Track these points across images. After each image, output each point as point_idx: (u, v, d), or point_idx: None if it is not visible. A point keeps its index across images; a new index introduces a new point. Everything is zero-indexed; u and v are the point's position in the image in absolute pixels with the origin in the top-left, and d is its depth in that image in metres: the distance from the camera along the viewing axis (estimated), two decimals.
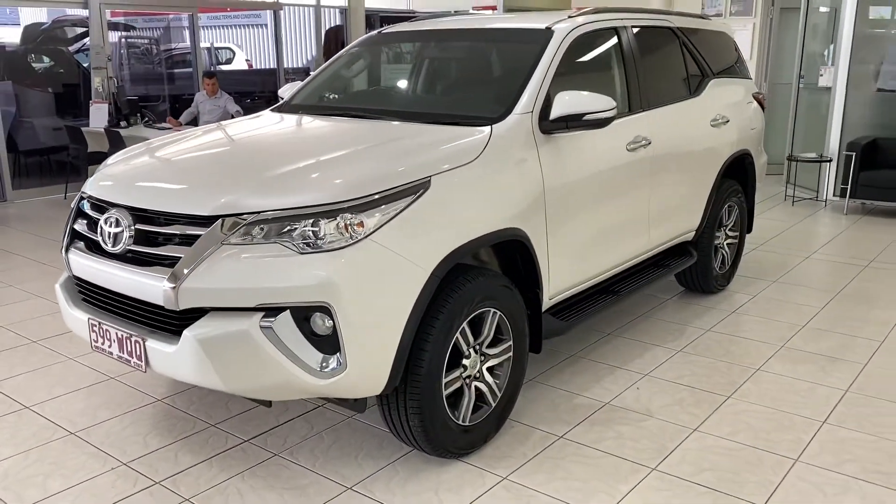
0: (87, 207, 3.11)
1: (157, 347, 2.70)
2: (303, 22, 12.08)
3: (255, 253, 2.57)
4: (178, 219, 2.72)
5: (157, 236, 2.77)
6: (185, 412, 3.49)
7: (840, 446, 3.17)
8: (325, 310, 2.54)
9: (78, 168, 8.71)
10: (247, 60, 13.40)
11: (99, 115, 8.49)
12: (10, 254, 6.30)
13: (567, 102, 3.26)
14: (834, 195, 8.12)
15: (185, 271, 2.58)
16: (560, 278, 3.46)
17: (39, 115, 9.56)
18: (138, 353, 2.76)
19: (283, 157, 3.00)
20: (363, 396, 2.77)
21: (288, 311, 2.56)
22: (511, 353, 3.17)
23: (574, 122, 3.29)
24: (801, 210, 7.84)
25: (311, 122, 3.75)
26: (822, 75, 8.30)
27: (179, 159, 3.25)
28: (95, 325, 2.94)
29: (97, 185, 3.10)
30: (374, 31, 4.45)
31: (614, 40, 4.00)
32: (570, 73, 3.61)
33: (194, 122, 8.37)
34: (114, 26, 10.10)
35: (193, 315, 2.62)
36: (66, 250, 3.12)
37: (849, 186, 7.59)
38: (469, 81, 3.99)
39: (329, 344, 2.59)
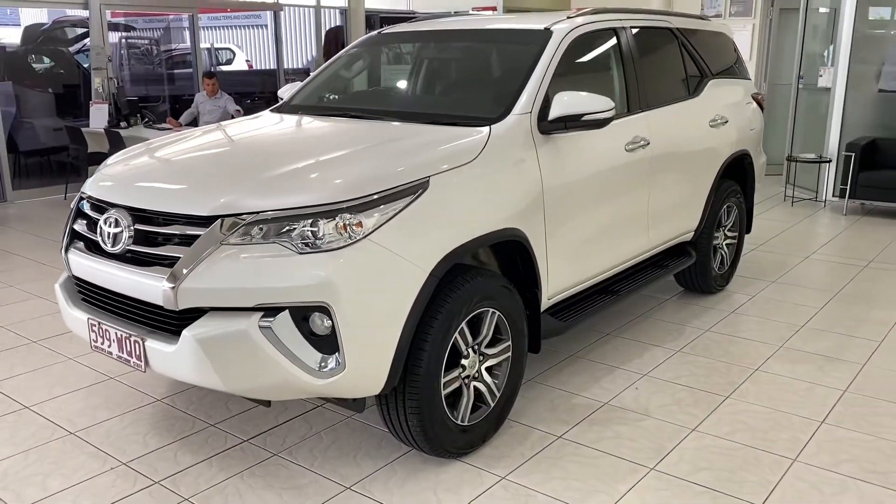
0: (86, 208, 3.12)
1: (156, 347, 2.71)
2: (303, 22, 12.08)
3: (254, 253, 2.57)
4: (178, 219, 2.73)
5: (157, 236, 2.78)
6: (184, 412, 3.50)
7: (838, 446, 3.18)
8: (324, 310, 2.54)
9: (78, 168, 8.71)
10: (247, 61, 13.39)
11: (99, 116, 8.49)
12: (10, 254, 6.31)
13: (566, 103, 3.27)
14: (833, 196, 8.13)
15: (185, 271, 2.59)
16: (559, 278, 3.46)
17: (40, 116, 9.56)
18: (138, 352, 2.77)
19: (283, 158, 3.00)
20: (362, 396, 2.78)
21: (287, 311, 2.56)
22: (510, 353, 3.18)
23: (573, 122, 3.30)
24: (800, 210, 7.85)
25: (311, 123, 3.75)
26: (821, 76, 8.31)
27: (179, 160, 3.25)
28: (95, 325, 2.95)
29: (97, 185, 3.11)
30: (374, 32, 4.46)
31: (613, 41, 4.01)
32: (569, 74, 3.61)
33: (194, 122, 8.36)
34: (114, 27, 10.11)
35: (193, 315, 2.63)
36: (66, 250, 3.13)
37: (848, 187, 7.59)
38: (468, 82, 4.00)
39: (328, 344, 2.60)
